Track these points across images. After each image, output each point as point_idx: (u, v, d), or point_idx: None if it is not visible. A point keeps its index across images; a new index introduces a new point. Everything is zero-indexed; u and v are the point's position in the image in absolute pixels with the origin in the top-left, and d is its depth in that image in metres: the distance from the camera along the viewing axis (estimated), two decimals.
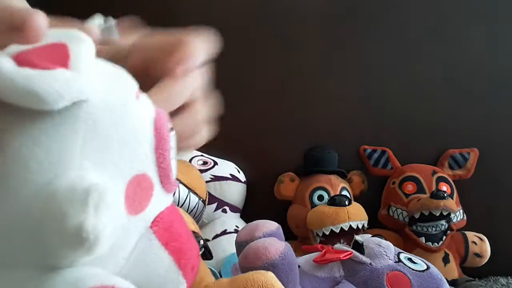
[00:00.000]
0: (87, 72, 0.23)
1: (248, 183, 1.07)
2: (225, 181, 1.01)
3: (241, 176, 1.05)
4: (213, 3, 1.15)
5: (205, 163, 1.03)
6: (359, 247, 0.58)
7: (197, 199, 0.59)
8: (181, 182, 0.63)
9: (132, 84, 0.28)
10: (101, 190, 0.21)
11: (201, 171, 1.00)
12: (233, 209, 1.02)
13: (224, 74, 1.21)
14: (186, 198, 0.56)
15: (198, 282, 0.40)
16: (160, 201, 0.29)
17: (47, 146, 0.22)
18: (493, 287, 0.92)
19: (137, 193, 0.25)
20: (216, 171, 1.01)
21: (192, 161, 1.02)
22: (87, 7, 1.11)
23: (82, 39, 0.24)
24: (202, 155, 1.06)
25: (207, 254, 0.56)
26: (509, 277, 0.96)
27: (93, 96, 0.24)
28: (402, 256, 0.58)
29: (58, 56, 0.22)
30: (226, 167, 1.04)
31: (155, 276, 0.28)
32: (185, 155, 1.06)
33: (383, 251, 0.57)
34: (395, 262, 0.57)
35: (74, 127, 0.23)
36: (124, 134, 0.24)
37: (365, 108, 1.09)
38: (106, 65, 0.27)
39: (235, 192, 1.02)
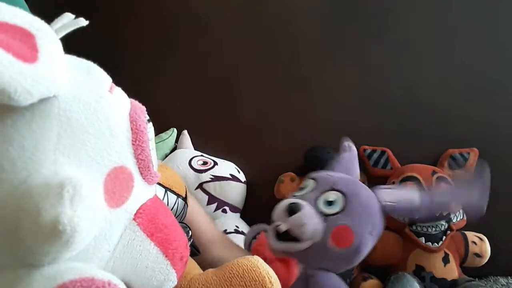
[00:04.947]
0: (56, 68, 0.23)
1: (248, 183, 1.07)
2: (225, 181, 1.01)
3: (241, 176, 1.05)
4: (213, 3, 1.15)
5: (205, 163, 1.03)
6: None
7: (175, 197, 0.59)
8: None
9: (105, 78, 0.28)
10: (75, 183, 0.21)
11: (201, 171, 1.00)
12: (233, 209, 1.02)
13: (224, 74, 1.22)
14: (163, 197, 0.56)
15: (184, 276, 0.40)
16: (142, 193, 0.29)
17: (20, 145, 0.22)
18: (493, 287, 0.92)
19: (116, 186, 0.26)
20: (216, 171, 1.01)
21: (192, 161, 1.02)
22: (87, 7, 1.11)
23: (50, 33, 0.24)
24: (202, 155, 1.06)
25: (194, 251, 0.57)
26: (509, 277, 0.96)
27: (65, 92, 0.24)
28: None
29: (27, 48, 0.22)
30: (226, 167, 1.04)
31: (143, 268, 0.28)
32: (185, 155, 1.06)
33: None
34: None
35: (47, 124, 0.23)
36: (99, 128, 0.25)
37: (365, 108, 1.09)
38: (77, 60, 0.27)
39: (235, 192, 1.02)
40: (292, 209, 0.59)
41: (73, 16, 0.29)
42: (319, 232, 0.58)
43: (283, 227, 0.59)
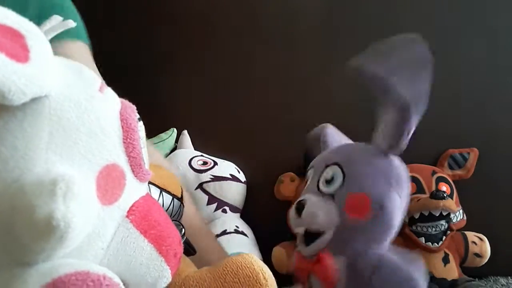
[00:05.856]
0: (47, 68, 0.23)
1: (248, 183, 1.07)
2: (225, 181, 1.01)
3: (241, 176, 1.05)
4: (213, 3, 1.15)
5: (205, 163, 1.03)
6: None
7: (170, 197, 0.59)
8: (150, 183, 0.62)
9: (95, 78, 0.28)
10: (68, 180, 0.22)
11: (201, 171, 1.00)
12: (233, 209, 1.02)
13: (224, 74, 1.22)
14: (159, 198, 0.56)
15: (178, 274, 0.40)
16: (134, 190, 0.29)
17: (12, 145, 0.23)
18: (493, 287, 0.92)
19: (108, 183, 0.26)
20: (216, 171, 1.02)
21: (192, 161, 1.02)
22: (88, 7, 1.10)
23: (39, 34, 0.24)
24: (202, 155, 1.06)
25: (189, 250, 0.57)
26: (509, 277, 0.96)
27: (56, 91, 0.24)
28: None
29: (18, 48, 0.22)
30: (226, 167, 1.04)
31: (137, 265, 0.28)
32: (185, 155, 1.06)
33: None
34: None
35: (38, 123, 0.23)
36: (91, 127, 0.25)
37: (365, 108, 1.09)
38: (66, 61, 0.28)
39: (235, 192, 1.02)
40: (299, 208, 0.56)
41: (61, 18, 0.29)
42: (334, 215, 0.54)
43: (301, 230, 0.56)
